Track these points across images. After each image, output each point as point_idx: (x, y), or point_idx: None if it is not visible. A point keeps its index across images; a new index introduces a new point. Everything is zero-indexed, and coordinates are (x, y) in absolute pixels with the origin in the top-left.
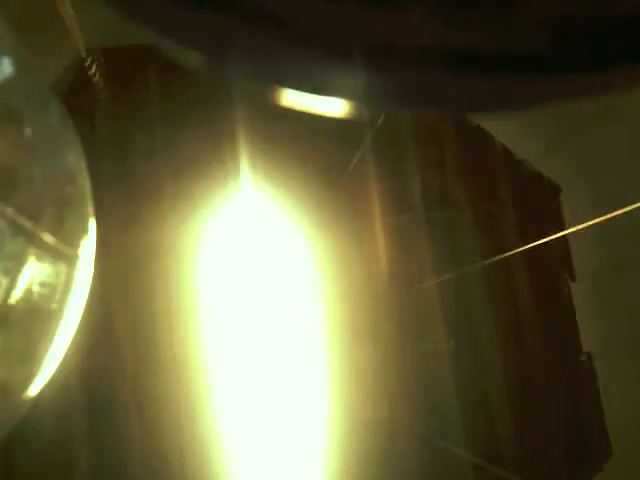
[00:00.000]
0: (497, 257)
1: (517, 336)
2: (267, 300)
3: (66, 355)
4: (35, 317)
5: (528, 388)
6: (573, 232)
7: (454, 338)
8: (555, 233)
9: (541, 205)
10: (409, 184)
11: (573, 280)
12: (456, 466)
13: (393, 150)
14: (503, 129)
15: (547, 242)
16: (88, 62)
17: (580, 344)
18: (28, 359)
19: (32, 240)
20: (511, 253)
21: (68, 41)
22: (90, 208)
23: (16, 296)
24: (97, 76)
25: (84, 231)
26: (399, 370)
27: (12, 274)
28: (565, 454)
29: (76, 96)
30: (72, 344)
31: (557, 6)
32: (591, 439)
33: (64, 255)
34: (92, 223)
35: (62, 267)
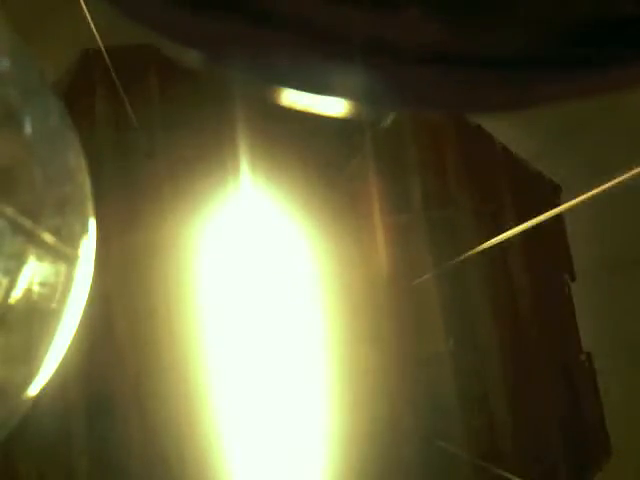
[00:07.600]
0: (494, 242)
1: (517, 336)
2: (267, 299)
3: (66, 355)
4: (35, 317)
5: (528, 388)
6: (572, 232)
7: (453, 338)
8: (555, 233)
9: (541, 205)
10: (409, 184)
11: (573, 280)
12: (456, 466)
13: (393, 150)
14: (503, 129)
15: (546, 242)
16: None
17: (580, 344)
18: (28, 359)
19: (32, 240)
20: (505, 236)
21: (69, 40)
22: (90, 207)
23: (16, 296)
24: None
25: (84, 231)
26: (399, 369)
27: (12, 274)
28: (565, 454)
29: (76, 96)
30: (72, 344)
31: (557, 6)
32: (591, 439)
33: (64, 255)
34: (92, 223)
35: (62, 267)
